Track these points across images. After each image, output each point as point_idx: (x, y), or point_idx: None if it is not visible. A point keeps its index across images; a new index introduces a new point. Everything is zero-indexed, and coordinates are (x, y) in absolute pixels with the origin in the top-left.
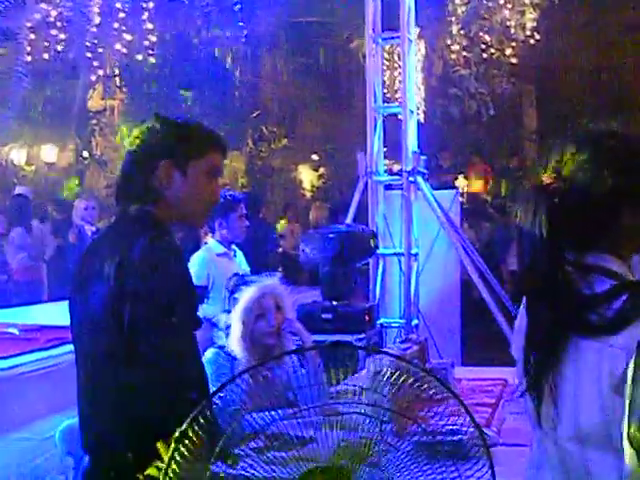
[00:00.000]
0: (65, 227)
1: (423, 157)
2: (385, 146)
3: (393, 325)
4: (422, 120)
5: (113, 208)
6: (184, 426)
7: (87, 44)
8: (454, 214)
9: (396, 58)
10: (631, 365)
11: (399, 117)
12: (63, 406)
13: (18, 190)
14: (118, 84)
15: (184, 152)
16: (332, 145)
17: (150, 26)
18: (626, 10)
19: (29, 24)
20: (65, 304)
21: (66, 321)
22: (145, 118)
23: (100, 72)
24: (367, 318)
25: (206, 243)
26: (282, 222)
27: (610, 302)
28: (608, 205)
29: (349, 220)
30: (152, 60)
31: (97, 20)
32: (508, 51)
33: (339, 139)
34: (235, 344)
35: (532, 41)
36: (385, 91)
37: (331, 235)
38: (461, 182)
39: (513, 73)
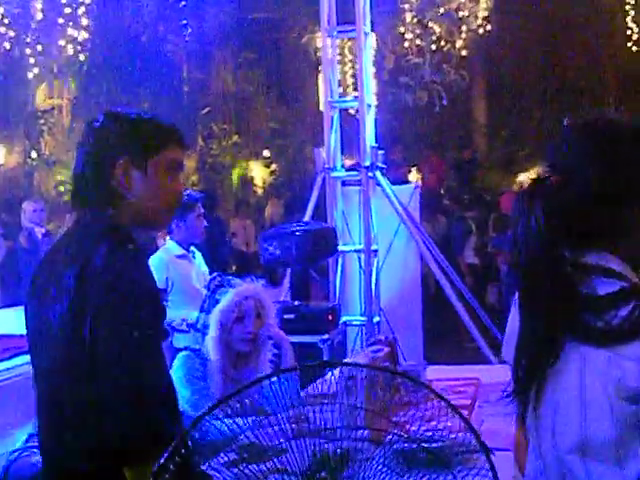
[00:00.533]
0: (16, 230)
1: (381, 152)
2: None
3: (354, 323)
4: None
5: (63, 209)
6: (162, 460)
7: (27, 40)
8: (413, 209)
9: (347, 52)
10: None
11: (350, 112)
12: (20, 422)
13: None
14: (63, 82)
15: (141, 149)
16: (283, 141)
17: (92, 23)
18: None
19: None
20: (16, 311)
21: (20, 329)
22: (95, 116)
23: (36, 70)
24: (330, 318)
25: (164, 244)
26: (234, 220)
27: (617, 308)
28: (609, 200)
29: (307, 217)
30: (97, 58)
31: (40, 16)
32: (459, 43)
33: (290, 135)
34: (210, 345)
35: (481, 31)
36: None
37: (297, 233)
38: (414, 176)
39: (463, 65)
